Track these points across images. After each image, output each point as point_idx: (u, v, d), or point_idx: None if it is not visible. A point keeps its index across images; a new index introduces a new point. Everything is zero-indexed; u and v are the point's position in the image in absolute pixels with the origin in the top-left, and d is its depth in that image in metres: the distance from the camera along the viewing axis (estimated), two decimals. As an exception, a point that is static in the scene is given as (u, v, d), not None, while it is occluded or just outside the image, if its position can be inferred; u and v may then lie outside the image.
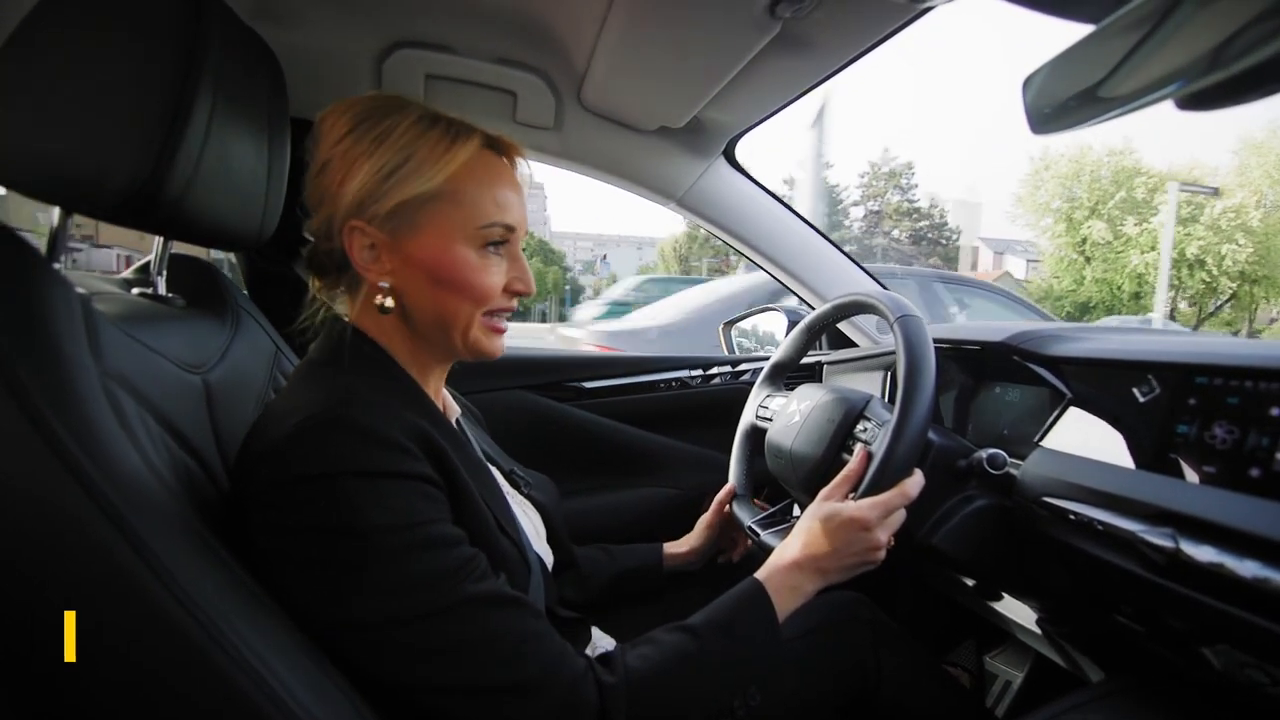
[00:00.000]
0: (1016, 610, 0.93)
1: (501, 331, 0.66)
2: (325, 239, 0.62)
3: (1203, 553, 0.55)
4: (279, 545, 0.50)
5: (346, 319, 0.64)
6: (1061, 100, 0.34)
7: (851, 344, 1.49)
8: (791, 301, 1.82)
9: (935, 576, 1.08)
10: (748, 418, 1.09)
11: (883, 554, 0.71)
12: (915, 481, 0.72)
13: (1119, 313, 18.22)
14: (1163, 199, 17.64)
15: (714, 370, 1.57)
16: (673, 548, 1.00)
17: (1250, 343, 0.68)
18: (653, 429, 1.46)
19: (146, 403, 0.51)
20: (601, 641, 0.80)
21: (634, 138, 1.24)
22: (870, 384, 1.23)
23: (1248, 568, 0.52)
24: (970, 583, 0.95)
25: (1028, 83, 0.35)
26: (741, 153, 1.33)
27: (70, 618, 0.39)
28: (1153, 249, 17.76)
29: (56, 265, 0.57)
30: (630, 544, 1.00)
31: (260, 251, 0.79)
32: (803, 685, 0.79)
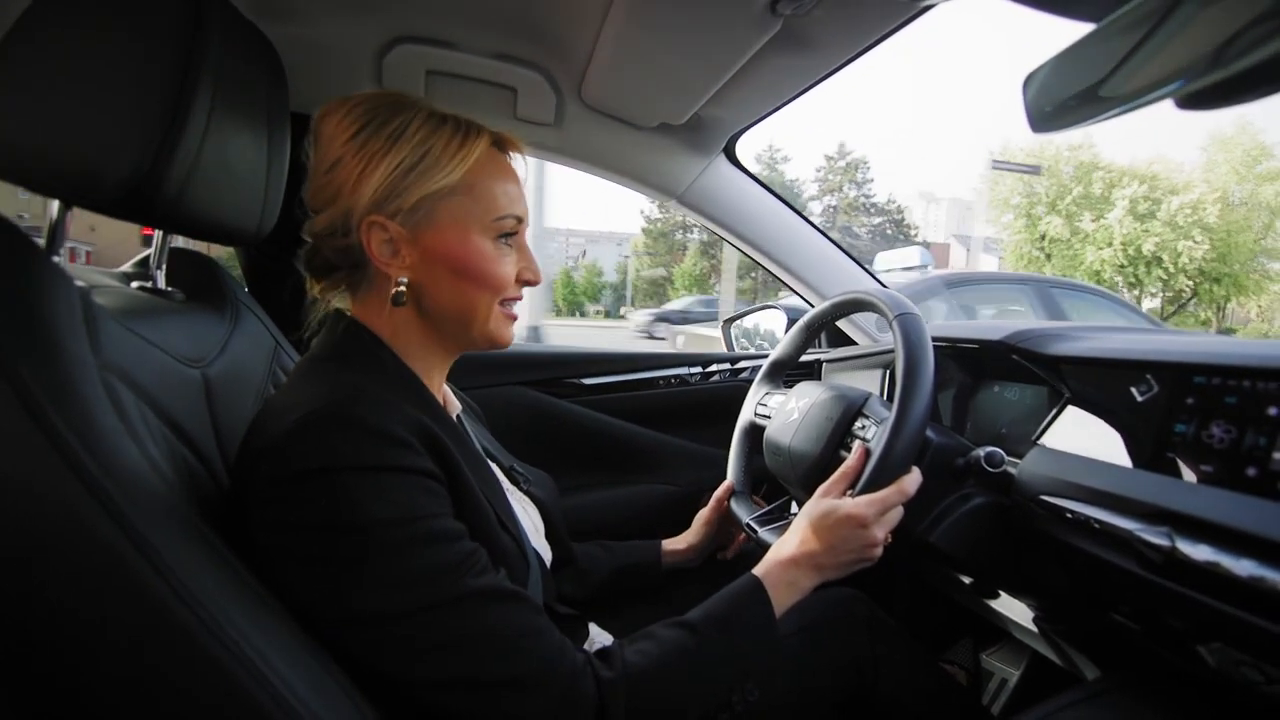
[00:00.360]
0: (1013, 608, 0.94)
1: (513, 318, 0.69)
2: (340, 236, 0.62)
3: (1199, 551, 0.55)
4: (280, 541, 0.50)
5: (348, 314, 0.64)
6: (1062, 99, 0.34)
7: (851, 342, 1.49)
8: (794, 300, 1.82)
9: (932, 574, 1.09)
10: (746, 414, 1.09)
11: (879, 551, 0.71)
12: (913, 479, 0.73)
13: None
14: (1120, 194, 17.57)
15: (713, 368, 1.57)
16: (671, 544, 1.01)
17: (1248, 342, 0.69)
18: (651, 426, 1.46)
19: (146, 397, 0.51)
20: (599, 638, 0.81)
21: (634, 134, 1.24)
22: (869, 382, 1.23)
23: (1243, 566, 0.52)
24: (967, 580, 0.96)
25: (1028, 81, 0.35)
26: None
27: (70, 613, 0.39)
28: (1109, 245, 17.66)
29: (56, 259, 0.57)
30: (629, 540, 1.01)
31: (259, 247, 0.79)
32: (800, 681, 0.79)
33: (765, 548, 0.76)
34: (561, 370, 1.45)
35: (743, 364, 1.59)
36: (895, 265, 3.91)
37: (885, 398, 0.89)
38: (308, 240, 0.65)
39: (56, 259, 0.57)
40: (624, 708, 0.54)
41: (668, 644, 0.60)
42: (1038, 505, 0.73)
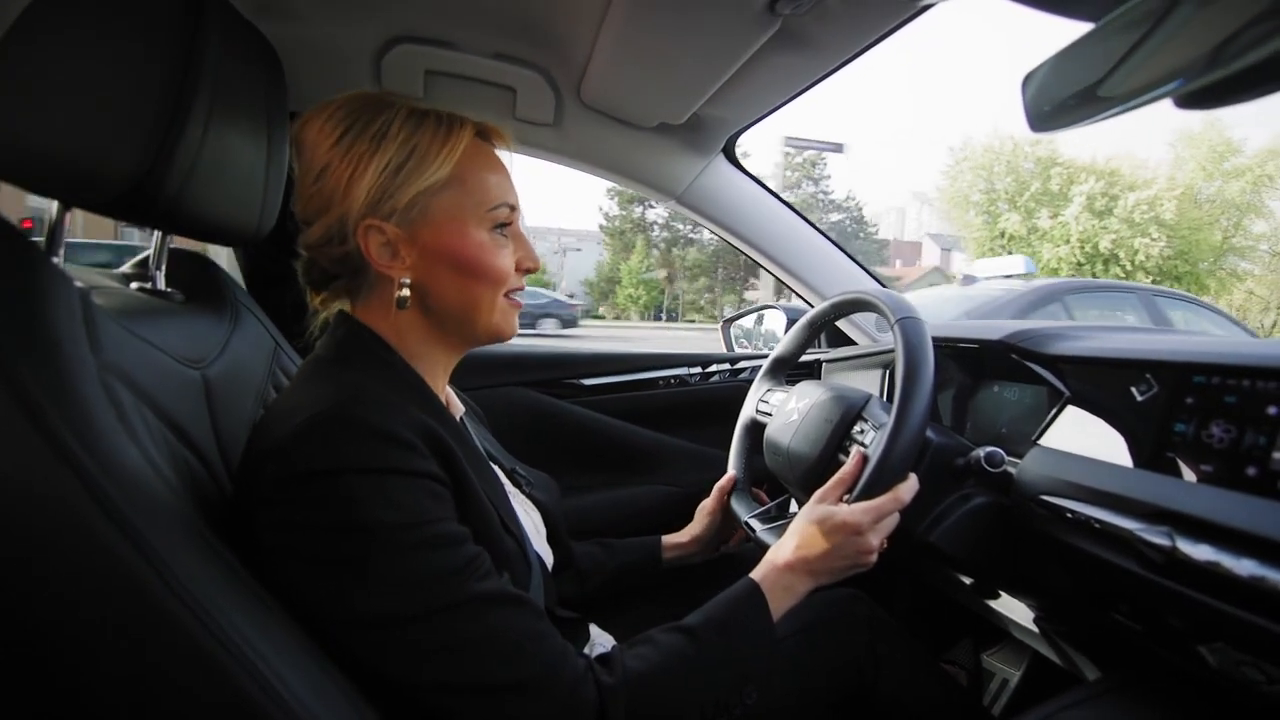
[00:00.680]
0: (1014, 608, 0.94)
1: (519, 308, 0.68)
2: (337, 244, 0.61)
3: (1199, 551, 0.55)
4: (285, 542, 0.50)
5: (351, 315, 0.64)
6: (1061, 98, 0.34)
7: (850, 342, 1.49)
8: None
9: (933, 574, 1.08)
10: (748, 411, 1.09)
11: (874, 558, 0.72)
12: (909, 486, 0.73)
13: None
14: (1079, 190, 17.15)
15: (713, 368, 1.57)
16: (673, 539, 1.01)
17: (1248, 342, 0.69)
18: (652, 426, 1.46)
19: (145, 397, 0.50)
20: (600, 639, 0.81)
21: (634, 134, 1.24)
22: (869, 382, 1.23)
23: (1244, 566, 0.52)
24: (968, 581, 0.96)
25: (1027, 80, 0.35)
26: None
27: (69, 613, 0.39)
28: (1066, 242, 17.27)
29: (55, 259, 0.57)
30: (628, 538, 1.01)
31: (259, 247, 0.79)
32: (800, 682, 0.79)
33: (763, 548, 0.77)
34: (562, 371, 1.44)
35: (742, 364, 1.58)
36: (995, 273, 3.86)
37: (885, 398, 0.89)
38: (302, 253, 0.64)
39: (56, 259, 0.57)
40: (625, 712, 0.54)
41: (667, 649, 0.60)
42: (1038, 505, 0.73)
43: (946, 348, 1.01)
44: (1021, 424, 0.89)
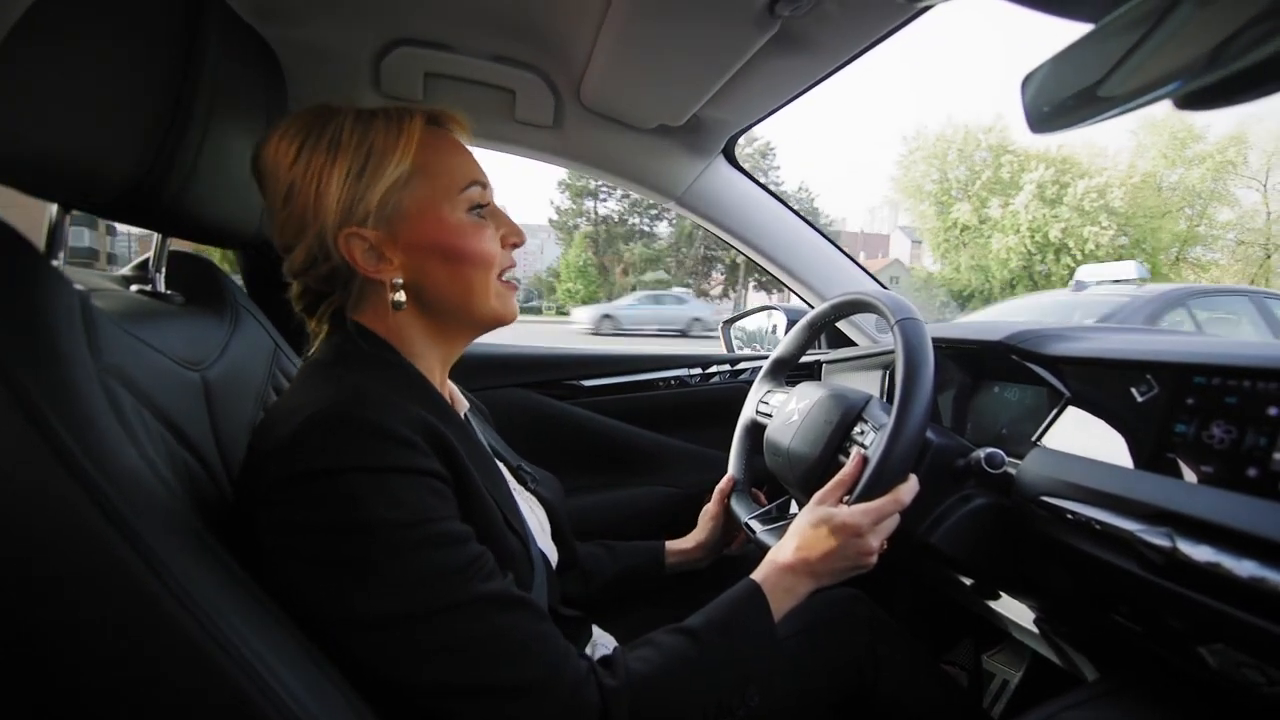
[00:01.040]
0: (1014, 609, 0.93)
1: (514, 289, 0.68)
2: (322, 262, 0.61)
3: (1200, 552, 0.55)
4: (286, 542, 0.50)
5: (350, 316, 0.64)
6: (1060, 99, 0.34)
7: (850, 343, 1.49)
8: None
9: (933, 575, 1.08)
10: (748, 412, 1.09)
11: (874, 559, 0.72)
12: (909, 488, 0.73)
13: (996, 302, 16.89)
14: (1029, 179, 16.74)
15: (713, 369, 1.57)
16: (678, 545, 1.01)
17: (1248, 343, 0.69)
18: (651, 428, 1.46)
19: (145, 399, 0.50)
20: (601, 640, 0.81)
21: (633, 136, 1.24)
22: (869, 383, 1.23)
23: (1245, 567, 0.52)
24: (968, 582, 0.95)
25: (1027, 81, 0.35)
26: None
27: (68, 614, 0.39)
28: (1016, 232, 16.86)
29: (55, 262, 0.57)
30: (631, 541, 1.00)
31: (258, 249, 0.79)
32: (801, 682, 0.79)
33: (763, 550, 0.77)
34: (561, 372, 1.44)
35: (743, 365, 1.58)
36: (1105, 277, 3.81)
37: (885, 399, 0.89)
38: (290, 281, 0.64)
39: (56, 262, 0.57)
40: (628, 714, 0.54)
41: (669, 651, 0.60)
42: (1038, 506, 0.73)
43: (947, 348, 1.01)
44: (1022, 425, 0.89)
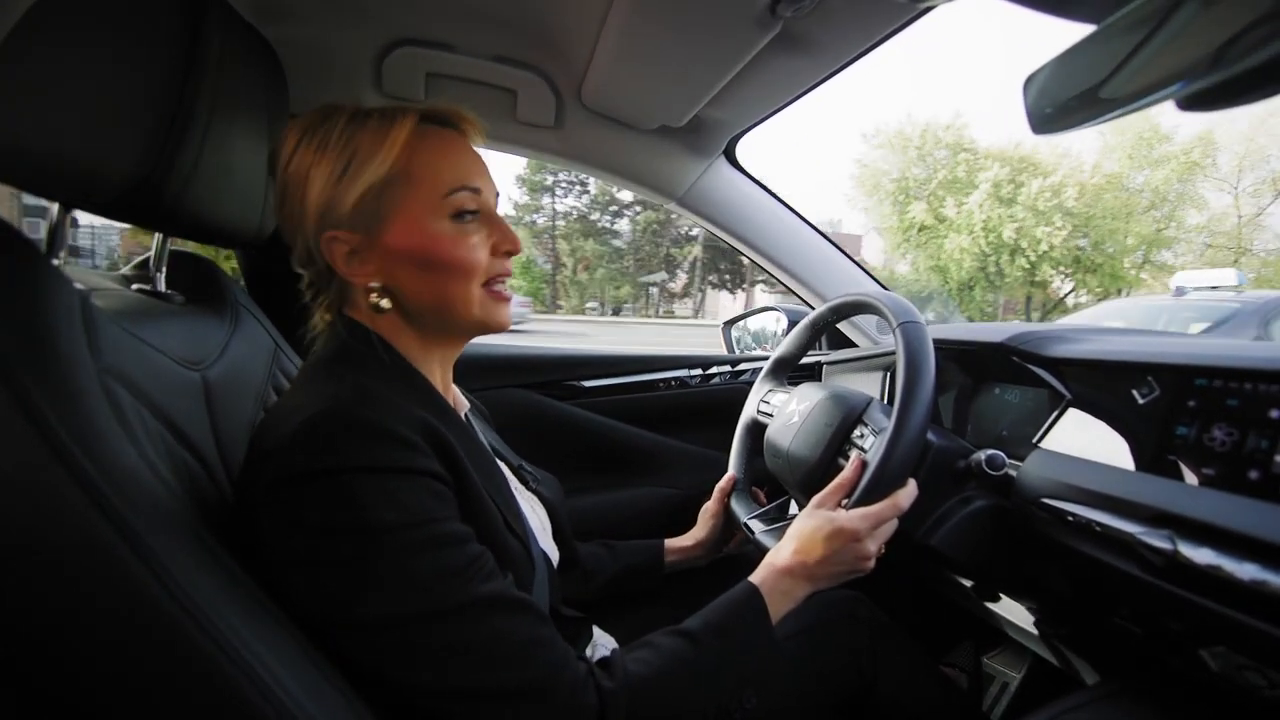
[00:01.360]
0: (1014, 611, 0.93)
1: (507, 299, 0.65)
2: (311, 261, 0.62)
3: (1201, 555, 0.55)
4: (285, 542, 0.50)
5: (350, 315, 0.64)
6: (1063, 101, 0.34)
7: (850, 344, 1.49)
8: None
9: (933, 577, 1.08)
10: (749, 412, 1.09)
11: (872, 563, 0.72)
12: (908, 493, 0.73)
13: (954, 303, 16.82)
14: (985, 177, 16.24)
15: (713, 370, 1.57)
16: (678, 543, 1.01)
17: (1250, 345, 0.68)
18: (651, 428, 1.46)
19: (145, 399, 0.50)
20: (602, 641, 0.81)
21: (635, 137, 1.24)
22: (870, 384, 1.23)
23: (1246, 570, 0.52)
24: (968, 583, 0.95)
25: (1029, 82, 0.35)
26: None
27: (67, 615, 0.39)
28: (970, 232, 16.29)
29: (55, 261, 0.57)
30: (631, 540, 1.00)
31: (260, 249, 0.79)
32: (801, 684, 0.79)
33: (762, 551, 0.77)
34: (561, 372, 1.44)
35: (743, 366, 1.58)
36: (1203, 284, 3.80)
37: (885, 400, 0.89)
38: (301, 273, 0.65)
39: (56, 261, 0.57)
40: (625, 717, 0.54)
41: (667, 653, 0.60)
42: (1039, 508, 0.73)
43: (948, 349, 1.01)
44: (1022, 426, 0.89)
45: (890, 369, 1.18)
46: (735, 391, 1.44)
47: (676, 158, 1.29)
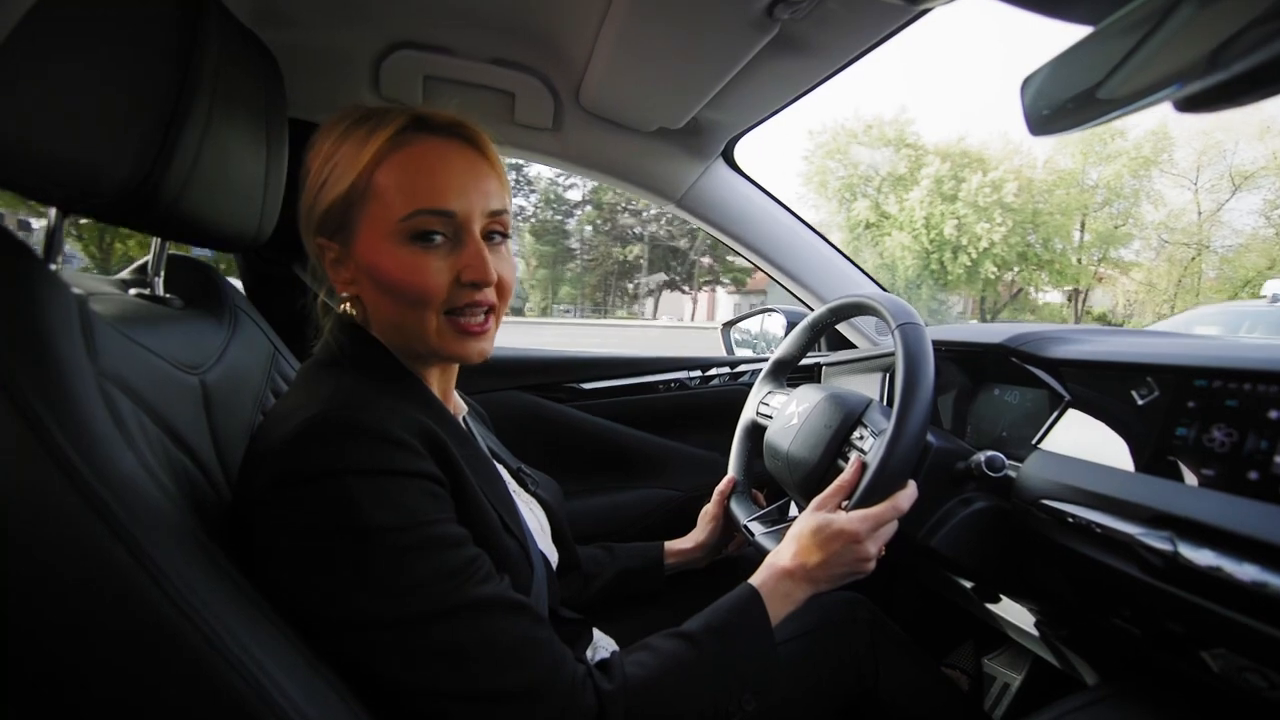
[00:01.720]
0: (1014, 613, 0.93)
1: (473, 332, 0.60)
2: (310, 262, 0.64)
3: (1201, 556, 0.55)
4: (281, 544, 0.50)
5: (349, 318, 0.64)
6: (1060, 102, 0.34)
7: (850, 345, 1.49)
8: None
9: (934, 578, 1.08)
10: (748, 413, 1.09)
11: (872, 565, 0.72)
12: (907, 495, 0.73)
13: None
14: (927, 174, 16.06)
15: (712, 371, 1.57)
16: (678, 545, 1.01)
17: (1250, 345, 0.68)
18: (651, 430, 1.46)
19: (143, 404, 0.50)
20: (602, 642, 0.80)
21: (633, 139, 1.24)
22: (869, 386, 1.23)
23: (1246, 571, 0.51)
24: (968, 585, 0.95)
25: (1026, 84, 0.35)
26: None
27: (65, 620, 0.39)
28: (912, 229, 16.05)
29: (53, 266, 0.57)
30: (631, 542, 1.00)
31: (259, 252, 0.79)
32: (801, 684, 0.79)
33: (762, 553, 0.76)
34: (560, 375, 1.44)
35: (742, 368, 1.58)
36: None
37: (885, 402, 0.89)
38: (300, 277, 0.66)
39: (54, 266, 0.57)
40: (624, 718, 0.54)
41: (666, 655, 0.60)
42: (1039, 509, 0.73)
43: (947, 351, 1.00)
44: (1022, 428, 0.89)
45: (889, 370, 1.17)
46: (734, 393, 1.44)
47: (675, 159, 1.29)
